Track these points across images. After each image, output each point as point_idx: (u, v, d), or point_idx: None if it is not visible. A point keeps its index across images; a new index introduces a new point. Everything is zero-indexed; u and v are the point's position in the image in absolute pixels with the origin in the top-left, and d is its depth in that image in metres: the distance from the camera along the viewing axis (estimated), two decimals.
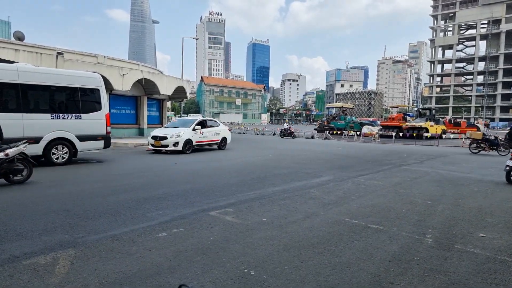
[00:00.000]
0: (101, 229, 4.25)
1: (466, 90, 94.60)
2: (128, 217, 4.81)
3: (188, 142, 14.04)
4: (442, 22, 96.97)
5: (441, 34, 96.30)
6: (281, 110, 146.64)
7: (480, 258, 3.66)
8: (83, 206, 5.33)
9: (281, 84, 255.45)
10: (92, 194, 6.23)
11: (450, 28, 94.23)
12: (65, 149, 9.69)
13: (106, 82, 15.71)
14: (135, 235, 4.06)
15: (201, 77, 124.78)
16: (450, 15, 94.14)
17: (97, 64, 18.05)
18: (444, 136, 27.80)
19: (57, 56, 15.77)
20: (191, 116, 36.94)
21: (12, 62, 11.31)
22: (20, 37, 17.77)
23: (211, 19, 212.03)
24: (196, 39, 41.79)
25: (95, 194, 6.20)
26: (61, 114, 9.65)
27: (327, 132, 30.54)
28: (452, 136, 26.17)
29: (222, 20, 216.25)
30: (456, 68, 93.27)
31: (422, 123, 28.80)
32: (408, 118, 33.55)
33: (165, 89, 22.08)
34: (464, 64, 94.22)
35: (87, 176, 8.39)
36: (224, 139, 16.41)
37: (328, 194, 6.65)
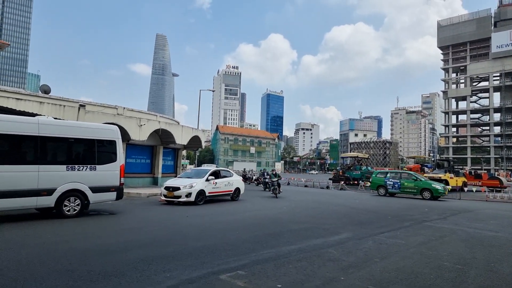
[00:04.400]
0: None
1: (484, 141, 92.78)
2: (133, 279, 4.50)
3: (201, 193, 13.84)
4: (454, 75, 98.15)
5: (454, 86, 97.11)
6: (295, 159, 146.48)
7: None
8: (88, 265, 5.07)
9: (294, 133, 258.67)
10: (99, 251, 5.98)
11: (462, 80, 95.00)
12: (77, 201, 9.55)
13: (124, 133, 16.08)
14: None
15: (217, 126, 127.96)
16: (461, 68, 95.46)
17: (116, 116, 18.64)
18: (465, 189, 26.74)
19: (79, 108, 16.40)
20: (205, 166, 37.10)
21: (35, 114, 11.74)
22: (46, 90, 18.71)
23: (228, 72, 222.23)
24: (213, 91, 43.42)
25: (102, 252, 5.94)
26: (76, 166, 9.65)
27: (343, 182, 29.89)
28: (474, 189, 24.96)
29: (238, 73, 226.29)
30: (471, 119, 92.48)
31: (441, 175, 27.87)
32: (425, 169, 32.73)
33: (181, 139, 22.44)
34: (479, 115, 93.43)
35: (96, 230, 8.18)
36: (237, 190, 16.16)
37: (347, 255, 6.19)
